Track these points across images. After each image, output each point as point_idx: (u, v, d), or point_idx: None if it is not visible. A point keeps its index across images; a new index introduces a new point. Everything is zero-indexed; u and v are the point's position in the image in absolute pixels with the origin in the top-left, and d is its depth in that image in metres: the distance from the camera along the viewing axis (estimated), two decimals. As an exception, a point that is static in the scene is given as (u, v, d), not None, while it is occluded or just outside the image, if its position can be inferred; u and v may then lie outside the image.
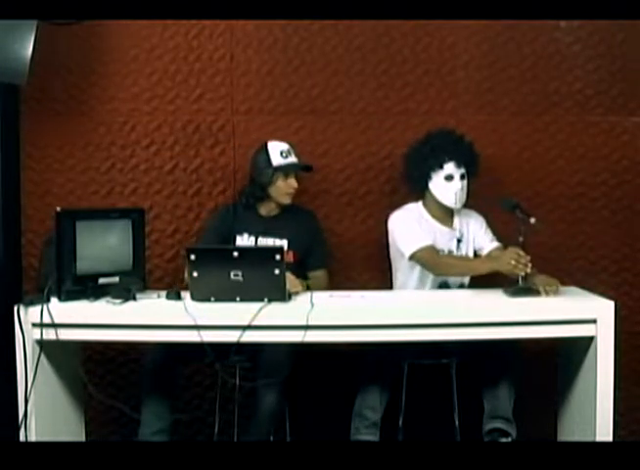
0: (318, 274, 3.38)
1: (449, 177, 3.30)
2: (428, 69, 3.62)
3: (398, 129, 3.61)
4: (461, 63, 3.63)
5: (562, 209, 3.53)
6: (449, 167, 3.29)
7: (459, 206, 3.34)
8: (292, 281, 3.04)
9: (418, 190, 3.41)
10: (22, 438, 2.84)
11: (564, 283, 3.30)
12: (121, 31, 3.56)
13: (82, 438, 3.28)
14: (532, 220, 3.01)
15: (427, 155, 3.33)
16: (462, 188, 3.31)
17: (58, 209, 2.94)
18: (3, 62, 3.05)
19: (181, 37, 3.59)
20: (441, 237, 3.35)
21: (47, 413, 2.94)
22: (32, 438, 2.85)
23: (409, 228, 3.31)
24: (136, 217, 3.13)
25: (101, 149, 3.61)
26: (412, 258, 3.27)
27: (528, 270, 2.99)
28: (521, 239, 3.02)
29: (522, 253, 2.99)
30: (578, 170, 3.64)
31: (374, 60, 3.62)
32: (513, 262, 2.98)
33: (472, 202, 3.42)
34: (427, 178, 3.34)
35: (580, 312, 2.88)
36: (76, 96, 3.60)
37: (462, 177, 3.31)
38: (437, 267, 3.25)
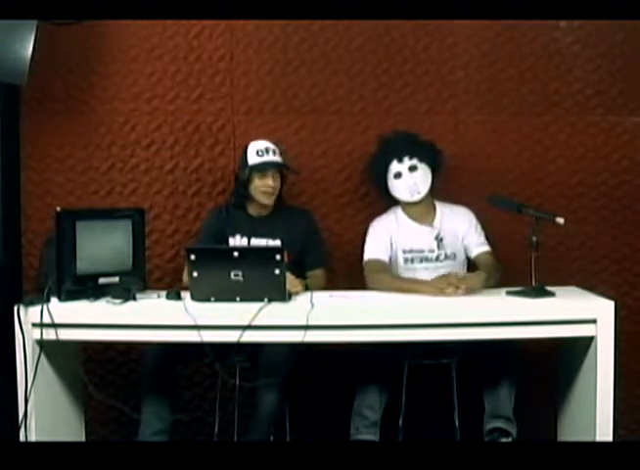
0: (316, 273, 3.37)
1: (397, 175, 3.34)
2: (428, 69, 3.62)
3: (398, 129, 3.60)
4: (461, 63, 3.63)
5: (562, 209, 3.52)
6: (393, 166, 3.34)
7: (417, 198, 3.33)
8: (291, 281, 3.04)
9: (387, 197, 3.43)
10: (22, 438, 2.84)
11: (564, 283, 3.31)
12: (121, 31, 3.56)
13: (82, 438, 3.28)
14: (561, 221, 3.00)
15: (373, 162, 3.42)
16: (413, 180, 3.31)
17: (58, 209, 2.94)
18: (3, 62, 3.06)
19: (181, 37, 3.59)
20: (421, 237, 3.35)
21: (47, 413, 2.94)
22: (32, 438, 2.85)
23: (372, 238, 3.37)
24: (136, 217, 3.13)
25: (101, 149, 3.61)
26: (364, 266, 3.34)
27: (464, 286, 3.00)
28: (534, 238, 3.01)
29: (453, 280, 3.02)
30: (578, 170, 3.64)
31: (374, 60, 3.62)
32: (449, 290, 3.01)
33: (471, 201, 3.42)
34: (385, 183, 3.39)
35: (580, 312, 2.88)
36: (76, 96, 3.60)
37: (411, 169, 3.32)
38: (370, 282, 3.27)
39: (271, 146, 3.35)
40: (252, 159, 3.31)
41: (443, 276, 3.08)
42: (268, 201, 3.34)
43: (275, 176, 3.33)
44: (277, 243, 3.33)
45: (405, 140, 3.38)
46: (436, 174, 3.39)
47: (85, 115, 3.60)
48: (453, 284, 3.01)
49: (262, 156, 3.31)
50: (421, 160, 3.34)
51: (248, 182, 3.31)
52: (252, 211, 3.40)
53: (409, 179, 3.32)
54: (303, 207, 3.54)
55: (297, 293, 3.05)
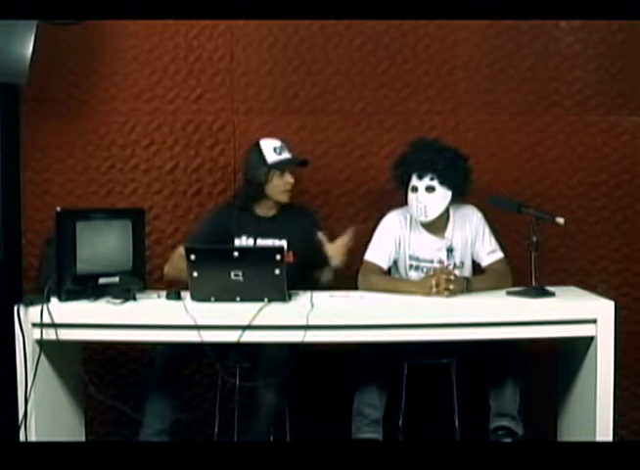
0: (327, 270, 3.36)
1: (414, 189, 3.19)
2: (428, 69, 3.62)
3: (398, 129, 3.61)
4: (461, 63, 3.63)
5: (562, 209, 3.52)
6: (413, 179, 3.20)
7: (423, 220, 3.22)
8: (337, 247, 3.10)
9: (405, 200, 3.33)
10: (22, 438, 2.84)
11: (564, 283, 3.32)
12: (121, 31, 3.57)
13: (82, 438, 3.28)
14: (561, 221, 3.00)
15: (398, 165, 3.29)
16: (425, 203, 3.16)
17: (58, 209, 2.94)
18: (3, 62, 3.05)
19: (181, 37, 3.59)
20: (431, 248, 3.28)
21: (47, 413, 2.94)
22: (32, 438, 2.84)
23: (379, 239, 3.30)
24: (136, 217, 3.13)
25: (101, 149, 3.61)
26: (362, 263, 3.27)
27: (452, 287, 2.99)
28: (534, 238, 3.00)
29: (443, 276, 3.00)
30: (578, 170, 3.64)
31: (374, 60, 3.62)
32: (434, 290, 3.00)
33: (471, 201, 3.42)
34: (405, 188, 3.26)
35: (580, 312, 2.88)
36: (76, 96, 3.60)
37: (428, 190, 3.16)
38: (361, 282, 3.22)
39: (282, 143, 3.32)
40: (272, 157, 3.25)
41: (430, 276, 3.06)
42: (287, 199, 3.31)
43: (291, 173, 3.30)
44: (283, 243, 3.30)
45: (433, 155, 3.17)
46: (458, 195, 3.24)
47: (85, 115, 3.61)
48: (440, 287, 3.00)
49: (281, 153, 3.27)
50: (442, 182, 3.15)
51: (266, 182, 3.27)
52: (261, 211, 3.36)
53: (421, 200, 3.16)
54: (307, 206, 3.52)
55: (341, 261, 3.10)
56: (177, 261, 3.20)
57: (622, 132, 3.63)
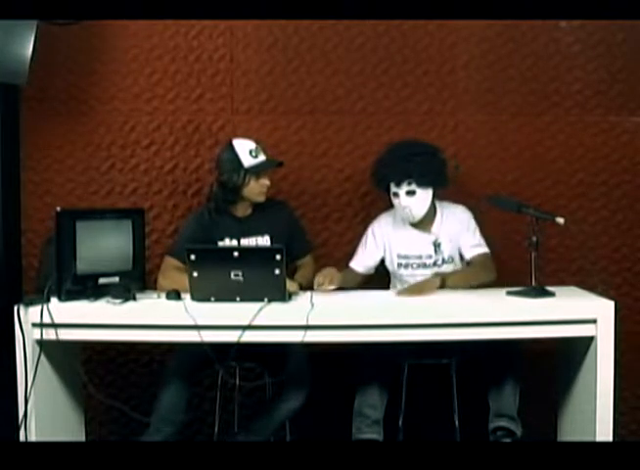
0: (306, 261, 3.40)
1: (395, 194, 3.24)
2: (428, 69, 3.62)
3: (398, 129, 3.61)
4: (461, 63, 3.63)
5: (562, 209, 3.53)
6: (392, 186, 3.24)
7: (413, 220, 3.28)
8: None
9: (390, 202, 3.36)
10: (22, 438, 2.84)
11: (564, 283, 3.32)
12: (121, 31, 3.57)
13: (82, 438, 3.28)
14: (561, 221, 3.00)
15: (375, 173, 3.32)
16: (409, 207, 3.21)
17: (58, 209, 2.94)
18: (3, 62, 3.05)
19: (181, 37, 3.59)
20: (418, 243, 3.31)
21: (47, 413, 2.94)
22: (32, 438, 2.85)
23: (363, 245, 3.39)
24: (136, 217, 3.13)
25: (101, 149, 3.61)
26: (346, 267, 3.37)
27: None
28: (534, 238, 3.00)
29: (415, 291, 3.08)
30: (578, 170, 3.64)
31: (374, 60, 3.62)
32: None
33: (470, 201, 3.42)
34: (388, 192, 3.30)
35: (580, 312, 2.88)
36: (76, 96, 3.60)
37: (409, 193, 3.20)
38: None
39: (255, 144, 3.28)
40: (248, 161, 3.22)
41: (405, 289, 3.15)
42: (263, 198, 3.29)
43: (267, 175, 3.29)
44: (266, 239, 3.32)
45: (406, 163, 3.19)
46: (440, 188, 3.29)
47: (85, 115, 3.61)
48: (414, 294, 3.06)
49: (256, 156, 3.24)
50: (420, 184, 3.20)
51: (242, 185, 3.24)
52: (238, 212, 3.33)
53: (405, 204, 3.21)
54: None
55: (294, 292, 3.05)
56: (172, 274, 3.21)
57: (622, 132, 3.63)
